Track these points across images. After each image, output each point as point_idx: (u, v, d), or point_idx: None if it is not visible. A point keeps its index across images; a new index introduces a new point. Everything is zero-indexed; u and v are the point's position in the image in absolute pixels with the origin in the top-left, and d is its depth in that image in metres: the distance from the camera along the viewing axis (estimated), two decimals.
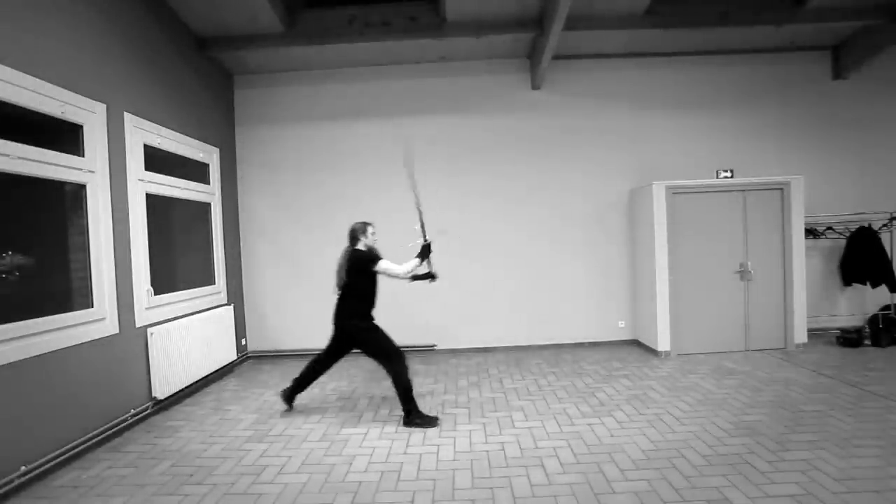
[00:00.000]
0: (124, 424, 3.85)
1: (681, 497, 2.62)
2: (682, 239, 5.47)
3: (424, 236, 4.02)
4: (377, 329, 3.89)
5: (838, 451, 3.06)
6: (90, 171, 3.67)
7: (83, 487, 2.98)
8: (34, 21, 3.28)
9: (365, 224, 3.97)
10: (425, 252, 3.98)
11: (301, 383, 4.14)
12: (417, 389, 4.64)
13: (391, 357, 3.80)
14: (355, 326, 3.86)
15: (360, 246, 3.91)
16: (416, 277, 4.03)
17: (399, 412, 4.07)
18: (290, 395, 4.17)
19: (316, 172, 6.05)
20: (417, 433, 3.62)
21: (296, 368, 5.52)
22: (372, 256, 3.82)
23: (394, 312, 6.01)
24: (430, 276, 4.08)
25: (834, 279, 6.08)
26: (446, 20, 5.23)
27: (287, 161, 6.05)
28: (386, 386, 4.81)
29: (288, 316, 6.09)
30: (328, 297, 5.98)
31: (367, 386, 4.86)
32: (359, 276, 3.84)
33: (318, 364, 4.10)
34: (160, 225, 4.62)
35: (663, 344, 5.46)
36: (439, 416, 3.90)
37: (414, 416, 3.75)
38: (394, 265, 3.82)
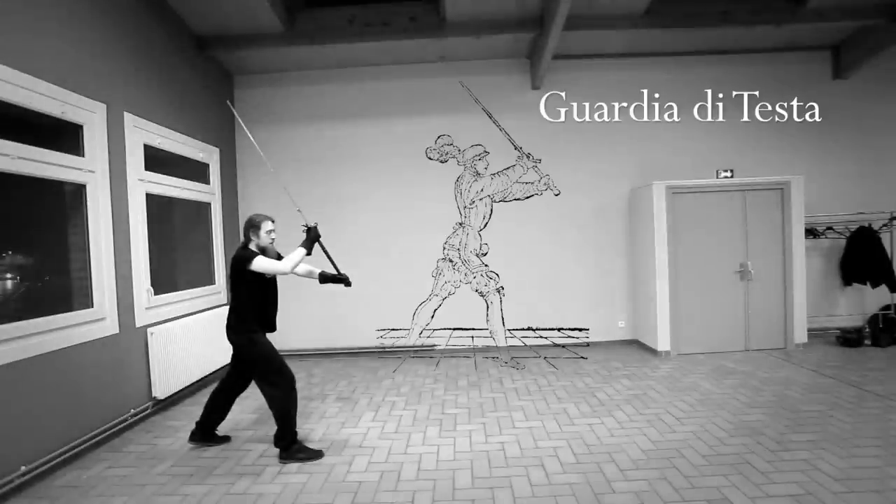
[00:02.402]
0: (124, 424, 3.85)
1: (681, 497, 2.62)
2: (682, 239, 5.47)
3: (306, 222, 3.47)
4: (262, 344, 3.26)
5: (838, 451, 3.06)
6: (90, 171, 3.67)
7: (83, 487, 2.98)
8: (34, 21, 3.28)
9: (263, 219, 3.30)
10: (310, 238, 3.37)
11: (212, 415, 3.52)
12: (419, 390, 4.66)
13: (274, 381, 3.23)
14: (235, 340, 3.29)
15: (252, 246, 3.27)
16: (326, 279, 3.63)
17: (399, 410, 4.07)
18: (203, 434, 3.52)
19: (316, 172, 6.05)
20: (417, 433, 3.62)
21: (295, 368, 5.53)
22: (247, 256, 3.17)
23: (394, 312, 6.05)
24: (342, 280, 3.63)
25: (834, 279, 6.08)
26: (446, 20, 5.23)
27: (287, 160, 6.04)
28: (386, 386, 4.82)
29: (288, 316, 6.02)
30: (328, 297, 6.03)
31: (367, 386, 4.85)
32: (239, 280, 3.23)
33: (224, 388, 3.50)
34: (160, 225, 4.62)
35: (663, 344, 5.46)
36: (323, 451, 3.33)
37: (294, 451, 3.23)
38: (273, 262, 3.22)
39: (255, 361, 3.29)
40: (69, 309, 3.50)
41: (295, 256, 3.25)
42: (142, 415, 4.08)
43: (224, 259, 5.61)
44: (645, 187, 5.65)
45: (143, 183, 4.25)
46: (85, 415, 3.50)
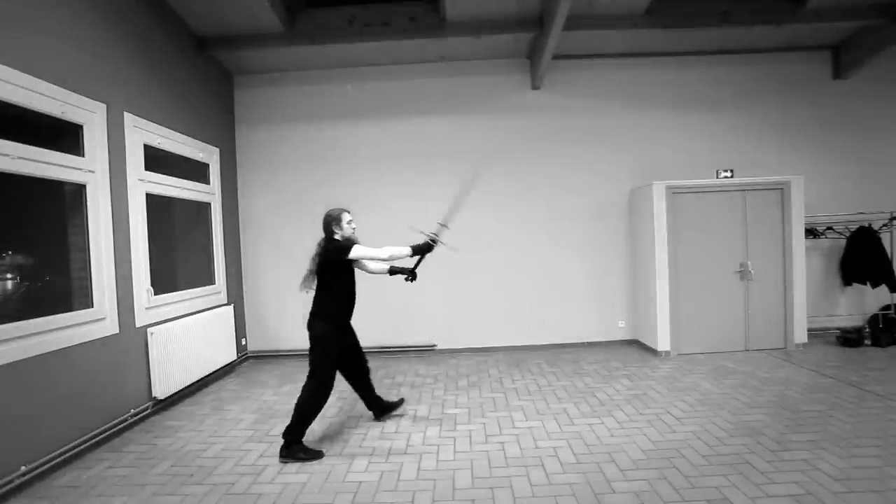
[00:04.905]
0: (124, 424, 3.85)
1: (681, 497, 2.62)
2: (682, 239, 5.47)
3: (434, 237, 3.44)
4: (329, 341, 3.36)
5: (838, 451, 3.06)
6: (90, 171, 3.67)
7: (83, 487, 2.98)
8: (34, 21, 3.28)
9: (340, 211, 3.45)
10: (425, 249, 3.42)
11: (370, 399, 3.84)
12: (419, 389, 4.66)
13: (316, 379, 3.34)
14: (317, 326, 3.37)
15: (337, 237, 3.42)
16: (394, 270, 3.65)
17: (399, 410, 4.06)
18: (381, 410, 3.88)
19: (316, 172, 6.05)
20: (417, 433, 3.62)
21: (296, 369, 5.57)
22: (344, 245, 3.29)
23: (394, 312, 6.06)
24: (411, 273, 3.60)
25: (834, 279, 6.08)
26: (446, 20, 5.23)
27: (287, 161, 6.05)
28: (387, 385, 4.82)
29: (288, 316, 6.09)
30: None
31: None
32: (330, 269, 3.35)
33: (353, 378, 3.74)
34: (160, 225, 4.62)
35: (663, 344, 5.46)
36: (323, 451, 3.35)
37: (295, 450, 3.26)
38: (371, 249, 3.28)
39: (316, 349, 3.36)
40: (69, 309, 3.50)
41: (398, 250, 3.29)
42: (142, 415, 4.07)
43: (224, 259, 5.62)
44: (645, 187, 5.65)
45: (143, 183, 4.25)
46: (85, 415, 3.50)
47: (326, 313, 3.38)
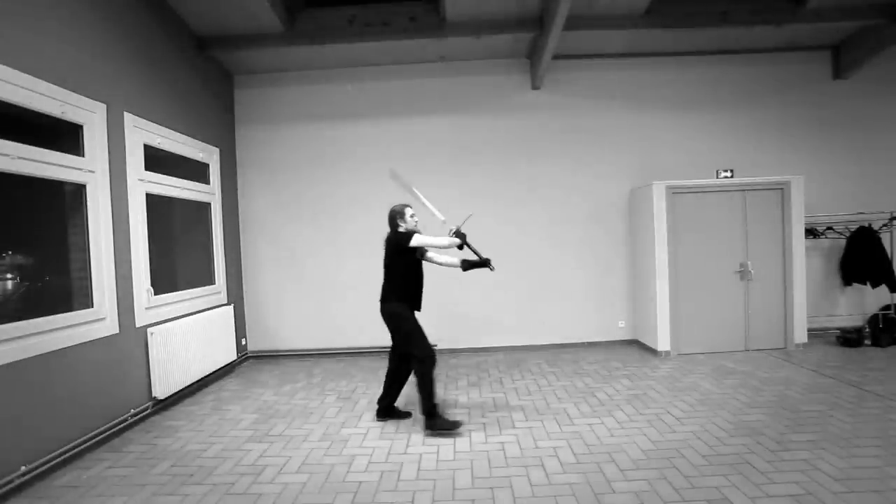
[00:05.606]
0: (124, 424, 3.85)
1: (681, 497, 2.62)
2: (682, 239, 5.47)
3: (460, 234, 3.54)
4: (410, 320, 3.61)
5: (838, 451, 3.06)
6: (90, 171, 3.67)
7: (83, 487, 2.98)
8: (34, 21, 3.28)
9: (403, 206, 3.73)
10: (459, 237, 3.53)
11: (389, 392, 3.91)
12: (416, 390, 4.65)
13: (416, 356, 3.56)
14: (388, 308, 3.62)
15: (401, 230, 3.68)
16: (469, 266, 3.74)
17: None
18: (386, 410, 3.92)
19: (316, 172, 6.05)
20: (417, 433, 3.62)
21: (296, 368, 5.57)
22: (407, 234, 3.55)
23: None
24: (484, 264, 3.70)
25: (834, 279, 6.08)
26: (446, 20, 5.23)
27: (287, 161, 6.05)
28: None
29: (288, 316, 6.10)
30: (328, 297, 6.03)
31: (367, 386, 4.85)
32: (396, 258, 3.62)
33: (394, 366, 3.86)
34: (160, 225, 4.62)
35: (663, 344, 5.46)
36: (462, 420, 3.62)
37: (437, 420, 3.54)
38: (430, 237, 3.54)
39: (400, 331, 3.63)
40: (69, 309, 3.50)
41: (451, 240, 3.51)
42: (142, 415, 4.07)
43: (224, 259, 5.62)
44: (645, 187, 5.65)
45: (143, 183, 4.25)
46: (85, 415, 3.50)
47: (393, 296, 3.64)
